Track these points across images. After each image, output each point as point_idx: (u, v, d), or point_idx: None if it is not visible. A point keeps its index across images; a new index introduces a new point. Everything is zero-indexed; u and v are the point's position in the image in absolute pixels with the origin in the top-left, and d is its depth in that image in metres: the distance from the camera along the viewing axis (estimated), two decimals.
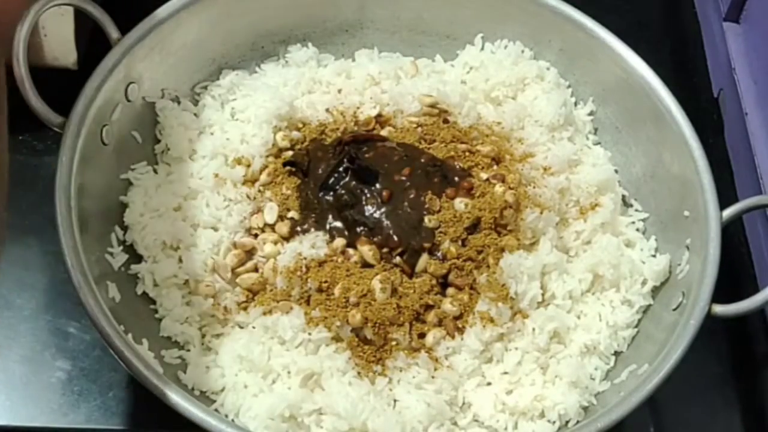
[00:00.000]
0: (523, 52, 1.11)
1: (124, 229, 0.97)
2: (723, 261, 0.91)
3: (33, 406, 0.95)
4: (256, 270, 0.95)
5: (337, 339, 0.90)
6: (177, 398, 0.80)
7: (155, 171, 1.01)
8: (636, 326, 0.96)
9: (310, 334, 0.89)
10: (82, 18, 1.00)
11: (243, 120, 1.05)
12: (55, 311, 0.99)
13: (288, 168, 1.01)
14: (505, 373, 0.91)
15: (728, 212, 0.94)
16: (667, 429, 1.00)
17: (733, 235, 1.09)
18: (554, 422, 0.89)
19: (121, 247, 0.95)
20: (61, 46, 1.04)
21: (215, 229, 0.97)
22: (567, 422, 0.90)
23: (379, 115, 1.06)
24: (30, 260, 1.02)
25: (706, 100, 1.24)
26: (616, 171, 1.06)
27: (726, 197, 0.97)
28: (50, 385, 0.96)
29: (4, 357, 0.97)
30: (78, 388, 0.96)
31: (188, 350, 0.92)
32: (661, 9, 1.35)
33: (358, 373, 0.89)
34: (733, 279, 1.04)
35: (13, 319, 0.99)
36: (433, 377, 0.90)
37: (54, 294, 1.00)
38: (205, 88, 1.08)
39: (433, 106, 1.05)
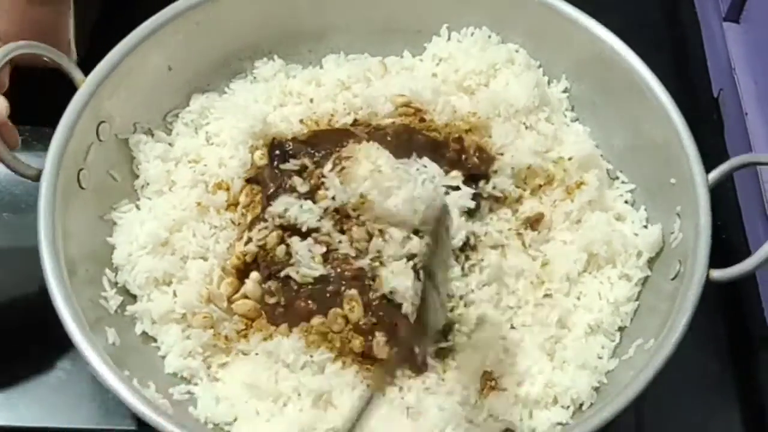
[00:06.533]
0: (489, 37, 1.10)
1: (115, 270, 0.96)
2: (714, 227, 0.91)
3: (33, 406, 0.95)
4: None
5: (341, 355, 0.90)
6: None
7: (138, 207, 1.00)
8: (636, 299, 0.96)
9: (312, 356, 0.89)
10: (82, 18, 0.99)
11: (218, 144, 1.04)
12: (56, 311, 0.96)
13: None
14: (513, 364, 0.91)
15: (714, 174, 0.93)
16: (666, 429, 1.00)
17: (723, 198, 1.08)
18: (568, 407, 0.89)
19: (114, 290, 0.95)
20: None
21: (205, 259, 0.96)
22: (581, 405, 0.90)
23: (355, 122, 1.06)
24: (30, 260, 0.97)
25: (706, 100, 1.23)
26: (597, 146, 1.05)
27: (726, 197, 0.96)
28: (50, 385, 0.96)
29: (3, 357, 0.97)
30: (78, 388, 0.96)
31: (195, 384, 0.92)
32: (661, 9, 1.34)
33: (368, 385, 0.89)
34: (725, 244, 1.03)
35: (14, 319, 0.99)
36: (443, 379, 0.90)
37: None
38: (177, 115, 1.07)
39: (406, 105, 1.05)
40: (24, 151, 1.04)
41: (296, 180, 0.98)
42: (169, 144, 1.04)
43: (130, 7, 1.01)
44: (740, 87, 1.13)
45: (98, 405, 0.95)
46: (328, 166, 0.97)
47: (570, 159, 1.01)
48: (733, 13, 1.20)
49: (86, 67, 0.98)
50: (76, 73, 0.98)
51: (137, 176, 1.02)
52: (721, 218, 0.93)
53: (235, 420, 0.89)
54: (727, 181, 0.98)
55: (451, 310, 0.94)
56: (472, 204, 0.98)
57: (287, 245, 0.95)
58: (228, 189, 1.00)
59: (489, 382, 0.90)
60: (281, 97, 1.08)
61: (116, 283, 0.96)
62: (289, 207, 0.95)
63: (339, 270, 0.93)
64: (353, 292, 0.91)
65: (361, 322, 0.90)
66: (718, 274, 0.88)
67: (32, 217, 0.90)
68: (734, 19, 1.20)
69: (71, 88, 0.96)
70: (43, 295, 0.87)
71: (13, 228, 1.05)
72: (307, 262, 0.93)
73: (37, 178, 0.92)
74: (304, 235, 0.94)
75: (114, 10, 0.98)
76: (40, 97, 0.95)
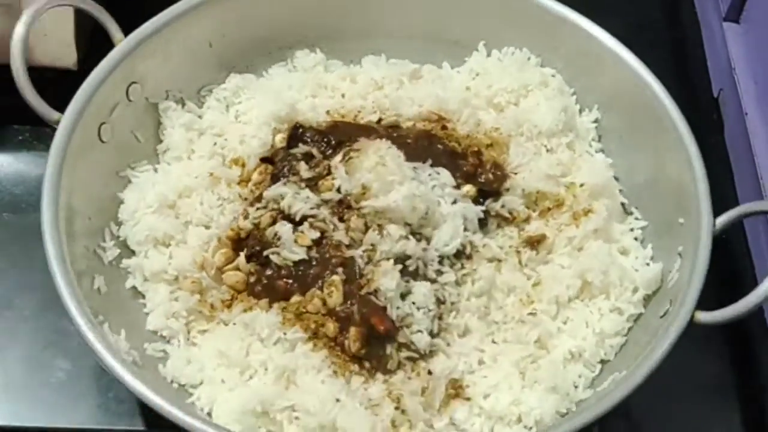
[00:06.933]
0: (529, 59, 1.11)
1: (119, 224, 0.99)
2: (724, 268, 0.90)
3: (33, 406, 0.95)
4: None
5: (315, 337, 0.90)
6: (139, 386, 0.82)
7: (156, 170, 1.03)
8: (625, 335, 0.94)
9: (285, 333, 0.90)
10: (82, 18, 1.02)
11: (245, 122, 1.06)
12: (56, 311, 0.94)
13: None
14: (484, 377, 0.90)
15: (722, 219, 0.91)
16: (667, 429, 0.98)
17: (734, 240, 1.07)
18: (530, 428, 0.87)
19: (114, 242, 0.97)
20: (61, 46, 1.06)
21: (207, 227, 0.98)
22: (544, 428, 0.87)
23: (379, 121, 1.07)
24: (30, 260, 0.99)
25: (706, 100, 1.23)
26: (618, 179, 1.04)
27: (726, 197, 0.97)
28: (50, 385, 0.96)
29: (4, 357, 0.97)
30: (78, 388, 0.96)
31: (172, 345, 0.93)
32: (661, 10, 1.34)
33: (334, 371, 0.89)
34: (735, 287, 1.01)
35: (14, 319, 1.00)
36: (409, 378, 0.89)
37: (54, 294, 0.95)
38: (211, 90, 1.09)
39: (430, 111, 1.05)
40: (24, 150, 1.10)
41: (302, 165, 0.99)
42: (199, 116, 1.07)
43: (129, 9, 1.03)
44: (740, 87, 1.13)
45: (98, 405, 0.95)
46: (339, 156, 0.99)
47: (581, 186, 1.00)
48: (733, 13, 1.20)
49: (86, 66, 1.00)
50: (116, 32, 1.01)
51: (161, 141, 1.05)
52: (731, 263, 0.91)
53: (201, 384, 0.90)
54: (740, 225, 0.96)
55: (441, 317, 0.93)
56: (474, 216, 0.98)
57: None
58: (243, 165, 1.02)
59: (455, 390, 0.89)
60: (315, 88, 1.10)
61: (118, 237, 0.98)
62: (284, 195, 0.96)
63: (328, 255, 0.93)
64: (335, 278, 0.91)
65: (338, 308, 0.90)
66: (704, 316, 0.86)
67: (32, 217, 0.91)
68: (734, 19, 1.20)
69: (72, 89, 0.97)
70: (45, 296, 0.88)
71: (13, 228, 1.06)
72: (289, 246, 0.93)
73: (57, 123, 0.95)
74: (297, 221, 0.95)
75: (113, 11, 1.00)
76: (40, 97, 0.96)
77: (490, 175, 1.02)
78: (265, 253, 0.94)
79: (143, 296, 0.96)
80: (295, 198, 0.96)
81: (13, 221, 1.06)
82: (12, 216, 1.07)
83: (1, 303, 1.01)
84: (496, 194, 1.01)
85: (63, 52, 1.05)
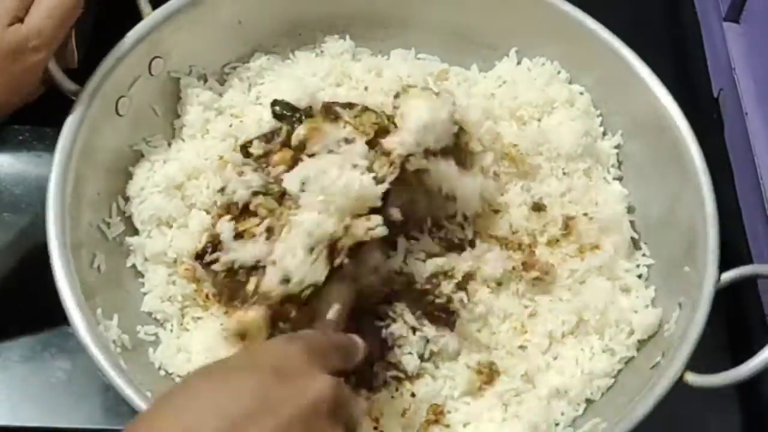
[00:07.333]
0: (559, 73, 1.08)
1: (126, 199, 0.98)
2: (735, 322, 0.92)
3: (33, 406, 0.95)
4: None
5: None
6: (110, 371, 0.84)
7: (169, 145, 1.02)
8: (614, 376, 0.93)
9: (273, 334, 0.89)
10: (82, 18, 1.00)
11: (265, 105, 1.05)
12: (56, 311, 0.90)
13: None
14: (467, 404, 0.90)
15: (728, 275, 0.89)
16: (666, 429, 0.97)
17: (747, 293, 1.06)
18: None
19: (120, 218, 0.97)
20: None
21: (208, 212, 0.97)
22: None
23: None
24: (31, 261, 0.99)
25: (706, 100, 1.22)
26: (632, 210, 1.02)
27: (726, 198, 0.98)
28: (50, 385, 0.96)
29: (4, 357, 0.97)
30: (78, 388, 0.96)
31: (165, 329, 0.94)
32: (661, 9, 1.32)
33: None
34: (746, 343, 1.00)
35: (15, 319, 0.99)
36: (392, 398, 0.89)
37: (55, 293, 0.91)
38: (235, 68, 1.08)
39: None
40: (24, 150, 1.09)
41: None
42: (219, 94, 1.06)
43: (127, 9, 1.00)
44: (740, 87, 1.13)
45: (98, 405, 0.95)
46: None
47: (591, 219, 0.98)
48: (733, 13, 1.19)
49: (86, 65, 0.98)
50: (144, 6, 1.00)
51: (179, 116, 1.04)
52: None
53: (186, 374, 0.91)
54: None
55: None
56: None
57: None
58: None
59: (436, 415, 0.89)
60: (340, 77, 1.08)
61: (124, 213, 0.98)
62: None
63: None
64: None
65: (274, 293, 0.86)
66: (693, 378, 0.85)
67: (33, 216, 0.90)
68: (734, 19, 1.19)
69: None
70: (46, 296, 0.87)
71: (13, 228, 1.04)
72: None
73: (76, 95, 0.94)
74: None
75: (110, 12, 0.98)
76: (40, 97, 0.95)
77: None
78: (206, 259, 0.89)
79: (142, 276, 0.97)
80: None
81: (14, 221, 1.04)
82: (12, 216, 1.05)
83: (2, 303, 1.00)
84: None
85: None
